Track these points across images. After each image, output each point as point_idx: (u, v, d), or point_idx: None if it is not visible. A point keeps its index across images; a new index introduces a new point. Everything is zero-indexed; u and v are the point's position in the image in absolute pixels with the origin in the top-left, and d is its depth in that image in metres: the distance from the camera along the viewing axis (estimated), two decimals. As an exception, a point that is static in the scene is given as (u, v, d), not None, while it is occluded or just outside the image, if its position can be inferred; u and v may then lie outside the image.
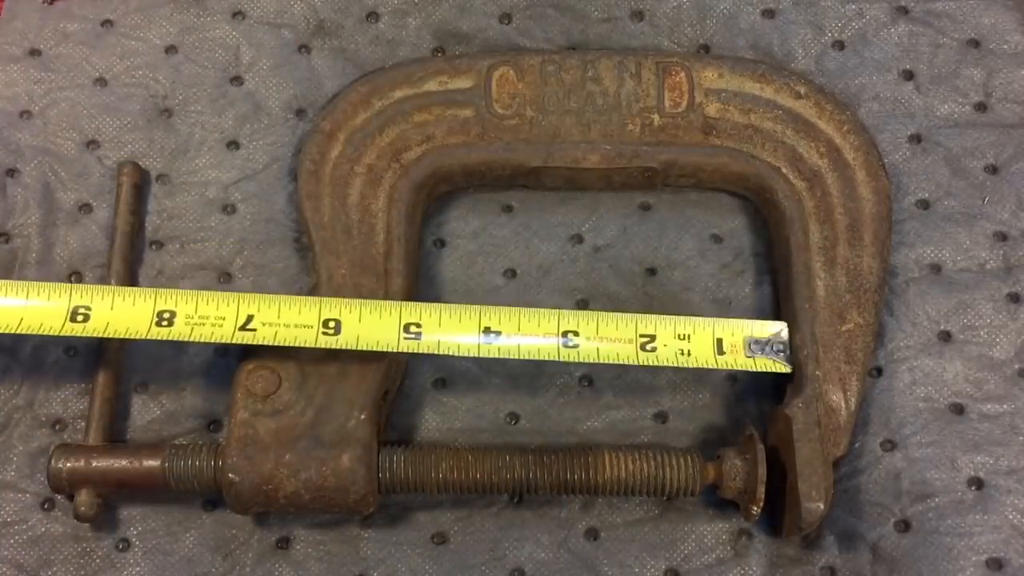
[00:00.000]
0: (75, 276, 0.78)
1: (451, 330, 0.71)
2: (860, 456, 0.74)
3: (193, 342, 0.74)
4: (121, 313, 0.70)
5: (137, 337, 0.69)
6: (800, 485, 0.67)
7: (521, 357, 0.71)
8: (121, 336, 0.69)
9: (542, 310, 0.72)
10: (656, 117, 0.79)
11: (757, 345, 0.72)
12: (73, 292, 0.70)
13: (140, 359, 0.77)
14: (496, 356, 0.71)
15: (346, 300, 0.72)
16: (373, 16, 0.86)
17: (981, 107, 0.83)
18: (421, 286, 0.79)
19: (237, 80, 0.84)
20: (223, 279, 0.79)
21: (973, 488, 0.74)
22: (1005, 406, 0.76)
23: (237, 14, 0.85)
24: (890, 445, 0.75)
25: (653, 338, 0.72)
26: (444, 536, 0.74)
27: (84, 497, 0.70)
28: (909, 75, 0.84)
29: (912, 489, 0.74)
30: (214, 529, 0.73)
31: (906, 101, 0.83)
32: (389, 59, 0.84)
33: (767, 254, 0.80)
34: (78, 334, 0.69)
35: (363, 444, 0.69)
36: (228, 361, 0.77)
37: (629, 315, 0.73)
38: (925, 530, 0.73)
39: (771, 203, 0.78)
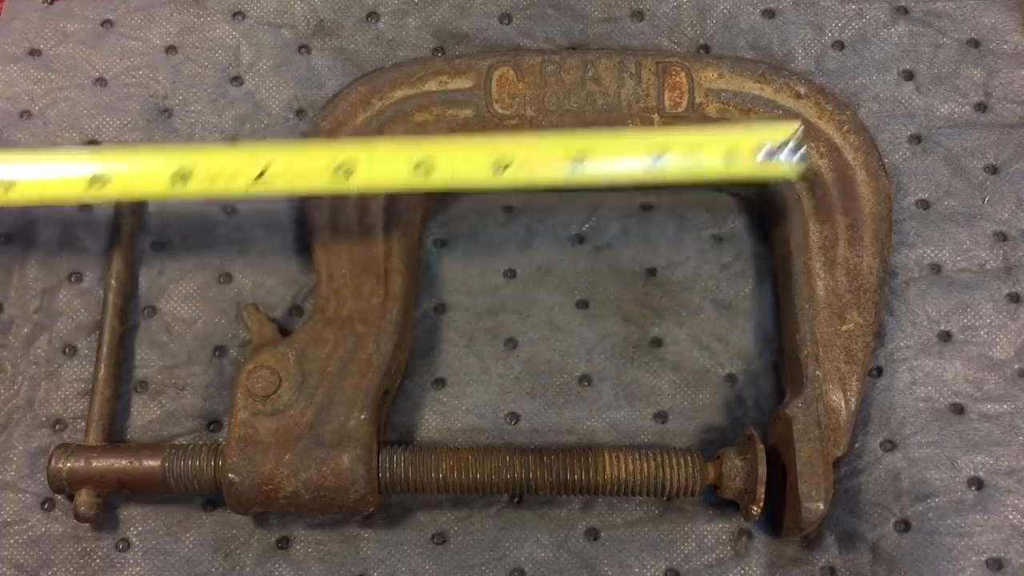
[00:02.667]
0: (75, 276, 0.79)
1: (463, 165, 0.68)
2: (860, 456, 0.75)
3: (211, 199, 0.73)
4: (139, 175, 0.69)
5: (156, 198, 0.69)
6: (800, 485, 0.67)
7: (531, 184, 0.68)
8: (139, 198, 0.68)
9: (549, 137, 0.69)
10: (656, 117, 0.79)
11: (767, 151, 0.68)
12: (93, 157, 0.69)
13: (140, 358, 0.77)
14: (506, 186, 0.68)
15: (361, 142, 0.71)
16: (373, 16, 0.86)
17: (981, 107, 0.83)
18: (421, 286, 0.79)
19: (237, 80, 0.84)
20: (223, 279, 0.79)
21: (973, 488, 0.74)
22: (1005, 406, 0.76)
23: (237, 14, 0.85)
24: (890, 445, 0.75)
25: (664, 151, 0.68)
26: (444, 536, 0.74)
27: (84, 497, 0.70)
28: (909, 75, 0.84)
29: (912, 489, 0.74)
30: (214, 529, 0.73)
31: (906, 101, 0.83)
32: (389, 59, 0.84)
33: (767, 254, 0.80)
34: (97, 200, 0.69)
35: (363, 444, 0.69)
36: (228, 361, 0.77)
37: (639, 129, 0.71)
38: (925, 530, 0.73)
39: (771, 203, 0.78)
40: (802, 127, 0.69)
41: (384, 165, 0.69)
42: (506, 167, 0.67)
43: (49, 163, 0.70)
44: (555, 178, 0.68)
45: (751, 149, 0.68)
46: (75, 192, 0.69)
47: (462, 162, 0.69)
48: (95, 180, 0.68)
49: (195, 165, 0.68)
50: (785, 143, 0.68)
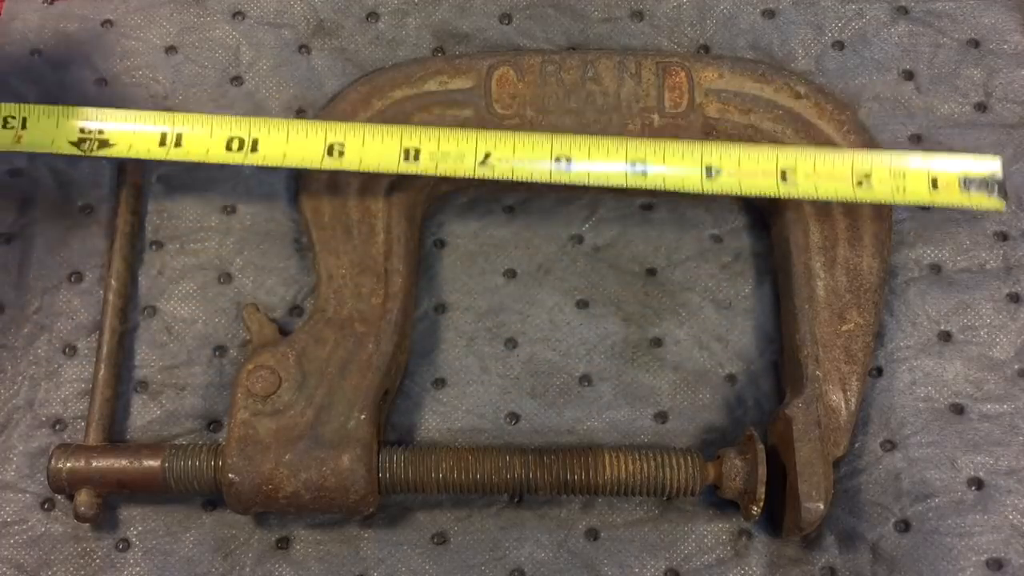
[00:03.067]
0: (75, 276, 0.79)
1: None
2: (860, 456, 0.75)
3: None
4: (372, 149, 0.74)
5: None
6: (800, 485, 0.67)
7: (742, 192, 0.74)
8: (372, 170, 0.73)
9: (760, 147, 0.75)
10: (656, 117, 0.79)
11: (972, 183, 0.73)
12: (328, 130, 0.74)
13: (140, 358, 0.77)
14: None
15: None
16: (373, 16, 0.86)
17: (981, 107, 0.83)
18: (421, 286, 0.79)
19: (237, 80, 0.84)
20: (223, 279, 0.79)
21: (973, 488, 0.74)
22: (1005, 406, 0.76)
23: (237, 14, 0.85)
24: (890, 445, 0.75)
25: (869, 175, 0.73)
26: (444, 536, 0.74)
27: (84, 497, 0.70)
28: (909, 75, 0.84)
29: (912, 489, 0.74)
30: (214, 529, 0.73)
31: (906, 101, 0.83)
32: (389, 59, 0.84)
33: (767, 254, 0.80)
34: (335, 167, 0.73)
35: (363, 444, 0.69)
36: (228, 361, 0.77)
37: (847, 151, 0.75)
38: (925, 530, 0.73)
39: (771, 203, 0.78)
40: (1000, 166, 0.74)
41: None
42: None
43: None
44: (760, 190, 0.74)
45: (957, 181, 0.74)
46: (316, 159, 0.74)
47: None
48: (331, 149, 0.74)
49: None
50: (987, 180, 0.73)
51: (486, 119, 0.79)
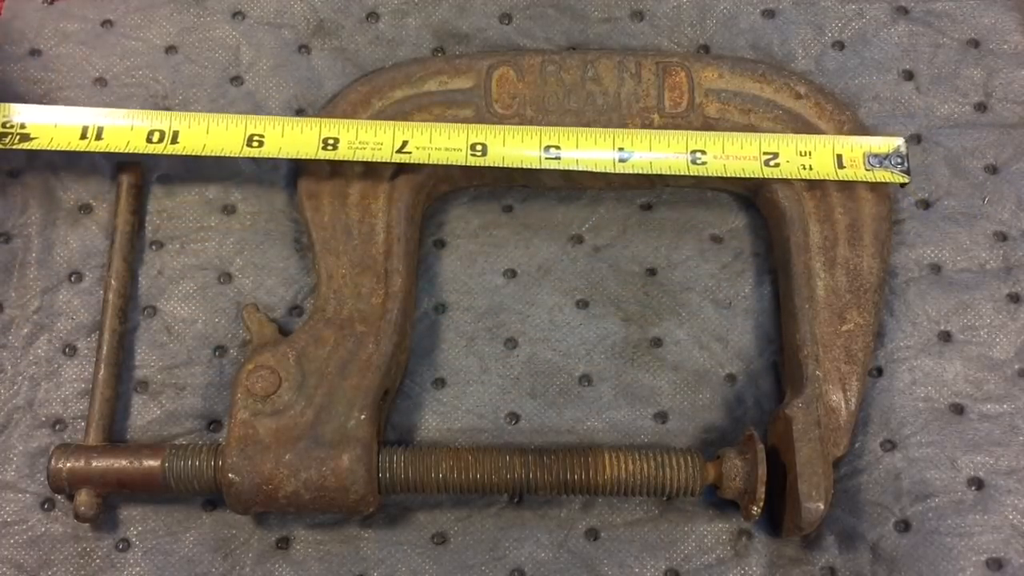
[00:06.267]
0: (75, 276, 0.79)
1: (586, 149, 0.76)
2: (860, 456, 0.74)
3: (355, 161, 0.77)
4: (291, 139, 0.76)
5: (306, 158, 0.76)
6: (800, 485, 0.67)
7: (654, 171, 0.77)
8: (292, 157, 0.76)
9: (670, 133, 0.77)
10: (656, 117, 0.79)
11: (876, 159, 0.75)
12: (248, 122, 0.77)
13: (140, 358, 0.77)
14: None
15: (493, 126, 0.77)
16: (373, 16, 0.86)
17: (981, 107, 0.83)
18: (421, 286, 0.79)
19: (237, 80, 0.84)
20: (223, 279, 0.79)
21: (973, 488, 0.74)
22: (1005, 406, 0.76)
23: (237, 14, 0.85)
24: (890, 445, 0.75)
25: (776, 155, 0.76)
26: (444, 536, 0.74)
27: (84, 497, 0.70)
28: (909, 75, 0.84)
29: (912, 489, 0.74)
30: (214, 529, 0.73)
31: (906, 101, 0.83)
32: (389, 59, 0.84)
33: (767, 254, 0.80)
34: (255, 155, 0.76)
35: (363, 444, 0.69)
36: (228, 361, 0.77)
37: (753, 134, 0.77)
38: (925, 530, 0.73)
39: (771, 203, 0.78)
40: (904, 143, 0.77)
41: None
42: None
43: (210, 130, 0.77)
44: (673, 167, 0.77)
45: (861, 157, 0.76)
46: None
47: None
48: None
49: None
50: (889, 154, 0.76)
51: (486, 119, 0.79)
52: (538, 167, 0.76)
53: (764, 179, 0.77)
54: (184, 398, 0.76)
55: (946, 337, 0.77)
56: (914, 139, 0.82)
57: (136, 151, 0.76)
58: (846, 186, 0.77)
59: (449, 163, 0.75)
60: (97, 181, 0.81)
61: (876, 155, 0.76)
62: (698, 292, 0.79)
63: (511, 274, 0.80)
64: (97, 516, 0.71)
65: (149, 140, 0.76)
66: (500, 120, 0.79)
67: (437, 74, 0.80)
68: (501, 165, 0.76)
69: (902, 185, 0.76)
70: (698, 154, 0.76)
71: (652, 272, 0.80)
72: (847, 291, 0.75)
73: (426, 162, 0.75)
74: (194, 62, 0.84)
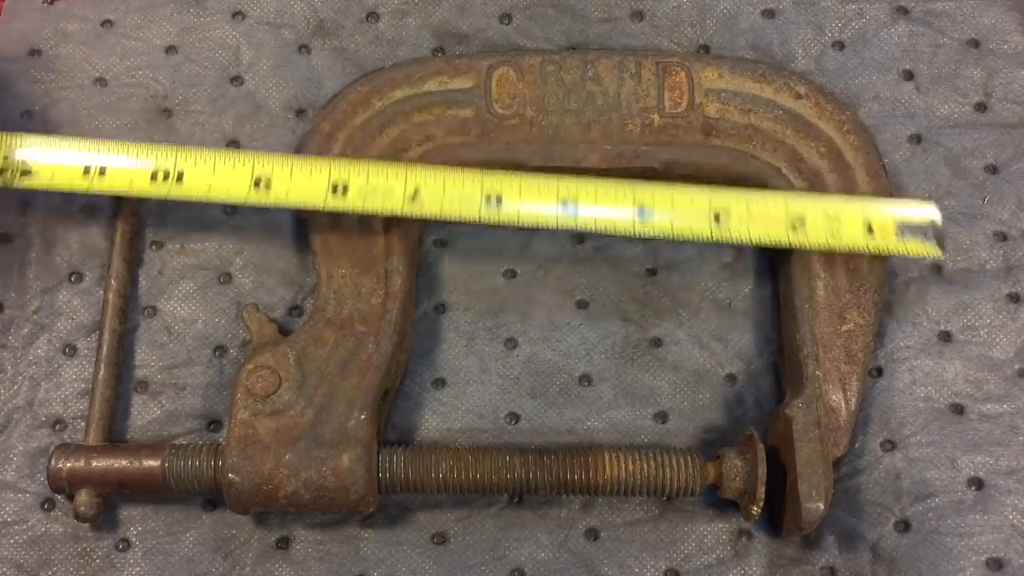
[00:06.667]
0: (75, 276, 0.79)
1: (605, 204, 0.73)
2: (860, 456, 0.74)
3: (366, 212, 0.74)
4: (299, 182, 0.73)
5: (314, 207, 0.72)
6: (800, 485, 0.67)
7: (675, 235, 0.73)
8: (299, 206, 0.73)
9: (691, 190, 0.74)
10: (656, 117, 0.79)
11: (908, 229, 0.72)
12: (256, 161, 0.74)
13: (140, 358, 0.77)
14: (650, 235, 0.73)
15: (509, 174, 0.74)
16: (373, 16, 0.86)
17: (981, 107, 0.83)
18: (421, 286, 0.79)
19: (237, 80, 0.84)
20: (223, 279, 0.79)
21: (973, 488, 0.74)
22: (1005, 406, 0.76)
23: (237, 14, 0.85)
24: (890, 445, 0.75)
25: (803, 219, 0.72)
26: (444, 536, 0.74)
27: (84, 497, 0.70)
28: (909, 75, 0.84)
29: (912, 489, 0.74)
30: (214, 529, 0.73)
31: (906, 101, 0.83)
32: (389, 59, 0.84)
33: (767, 254, 0.80)
34: (262, 201, 0.73)
35: (363, 444, 0.69)
36: (228, 361, 0.77)
37: (779, 193, 0.74)
38: (925, 530, 0.73)
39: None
40: (939, 215, 0.73)
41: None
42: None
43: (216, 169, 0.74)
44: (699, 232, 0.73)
45: (893, 227, 0.73)
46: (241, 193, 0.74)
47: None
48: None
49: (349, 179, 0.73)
50: (925, 226, 0.73)
51: (486, 119, 0.79)
52: (555, 227, 0.73)
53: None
54: (184, 398, 0.76)
55: (946, 337, 0.77)
56: (914, 139, 0.82)
57: (140, 193, 0.73)
58: (846, 186, 0.77)
59: (462, 216, 0.72)
60: (97, 181, 0.81)
61: (908, 225, 0.73)
62: (698, 292, 0.79)
63: (511, 274, 0.80)
64: (97, 516, 0.71)
65: (153, 179, 0.73)
66: (500, 120, 0.79)
67: (437, 74, 0.80)
68: (516, 223, 0.73)
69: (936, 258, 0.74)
70: (721, 216, 0.72)
71: (652, 272, 0.80)
72: (847, 291, 0.75)
73: (438, 213, 0.72)
74: (194, 62, 0.84)
